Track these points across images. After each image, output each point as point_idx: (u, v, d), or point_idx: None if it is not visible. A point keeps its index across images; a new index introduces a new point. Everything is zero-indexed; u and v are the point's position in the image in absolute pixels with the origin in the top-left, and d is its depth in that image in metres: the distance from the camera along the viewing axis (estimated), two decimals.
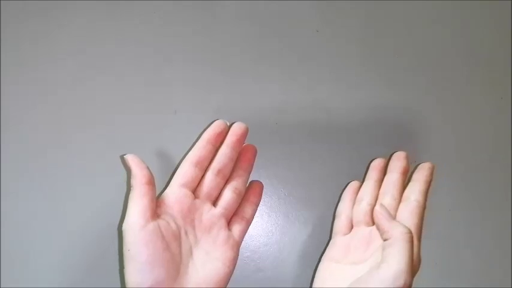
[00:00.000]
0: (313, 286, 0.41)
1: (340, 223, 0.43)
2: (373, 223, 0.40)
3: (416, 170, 0.43)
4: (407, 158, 0.43)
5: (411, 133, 0.47)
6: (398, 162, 0.43)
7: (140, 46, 0.48)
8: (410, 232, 0.36)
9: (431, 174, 0.42)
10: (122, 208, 0.44)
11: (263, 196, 0.44)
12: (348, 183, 0.45)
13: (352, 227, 0.43)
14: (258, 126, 0.46)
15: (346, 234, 0.42)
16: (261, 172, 0.46)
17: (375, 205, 0.41)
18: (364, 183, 0.44)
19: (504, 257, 0.46)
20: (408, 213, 0.39)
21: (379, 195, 0.42)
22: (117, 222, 0.43)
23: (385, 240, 0.37)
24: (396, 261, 0.34)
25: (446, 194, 0.46)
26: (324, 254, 0.42)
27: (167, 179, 0.43)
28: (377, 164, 0.44)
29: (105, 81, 0.47)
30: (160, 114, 0.46)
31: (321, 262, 0.42)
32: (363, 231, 0.41)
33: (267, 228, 0.46)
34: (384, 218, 0.38)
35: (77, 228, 0.44)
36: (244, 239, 0.42)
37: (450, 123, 0.48)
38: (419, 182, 0.41)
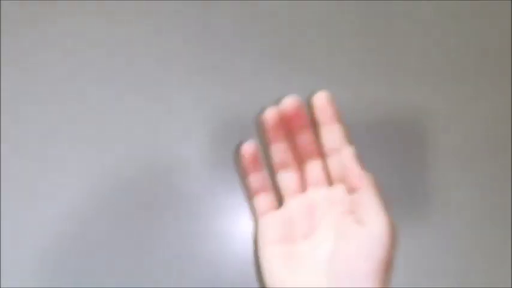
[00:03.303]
0: (267, 283, 0.33)
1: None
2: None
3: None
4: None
5: (414, 133, 0.47)
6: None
7: (139, 46, 0.48)
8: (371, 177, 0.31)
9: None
10: (121, 208, 0.44)
11: None
12: None
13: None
14: (258, 126, 0.46)
15: (276, 209, 0.35)
16: None
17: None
18: None
19: (504, 257, 0.46)
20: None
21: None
22: (115, 223, 0.43)
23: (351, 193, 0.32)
24: (380, 211, 0.30)
25: (451, 194, 0.46)
26: (259, 240, 0.34)
27: (166, 179, 0.43)
28: None
29: (104, 81, 0.47)
30: (158, 114, 0.46)
31: (261, 250, 0.34)
32: (298, 200, 0.35)
33: None
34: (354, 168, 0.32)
35: (74, 229, 0.44)
36: (244, 239, 0.42)
37: (455, 122, 0.48)
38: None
